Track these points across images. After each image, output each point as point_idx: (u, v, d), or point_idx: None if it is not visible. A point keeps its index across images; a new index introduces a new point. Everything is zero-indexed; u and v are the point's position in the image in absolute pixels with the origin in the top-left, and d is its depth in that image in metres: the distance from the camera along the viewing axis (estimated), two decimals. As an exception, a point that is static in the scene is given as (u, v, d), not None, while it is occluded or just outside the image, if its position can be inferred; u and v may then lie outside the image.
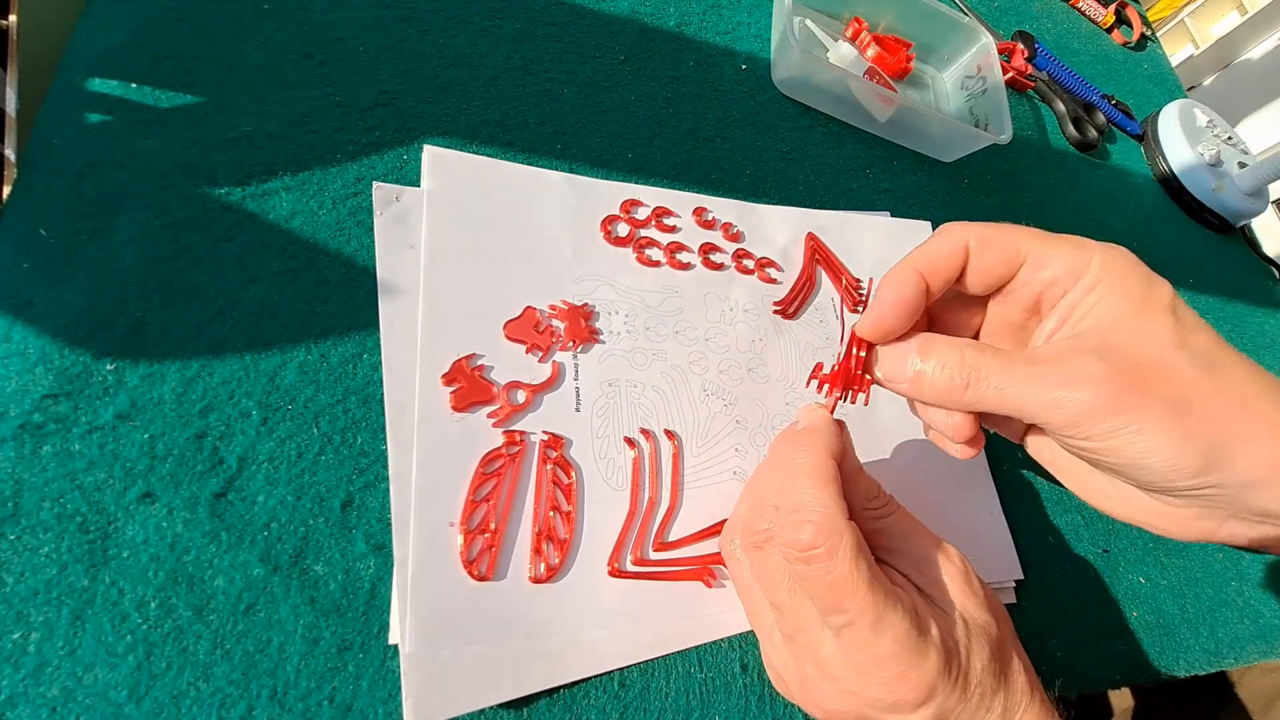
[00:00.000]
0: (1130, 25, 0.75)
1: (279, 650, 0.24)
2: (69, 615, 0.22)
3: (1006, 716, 0.23)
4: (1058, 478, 0.27)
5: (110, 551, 0.23)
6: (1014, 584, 0.36)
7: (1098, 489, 0.26)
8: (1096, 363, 0.22)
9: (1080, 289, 0.24)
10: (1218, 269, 0.61)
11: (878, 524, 0.26)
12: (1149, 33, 0.77)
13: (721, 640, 0.30)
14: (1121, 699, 0.54)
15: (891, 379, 0.26)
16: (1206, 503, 0.23)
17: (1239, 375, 0.22)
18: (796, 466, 0.24)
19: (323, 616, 0.25)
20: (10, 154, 0.27)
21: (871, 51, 0.50)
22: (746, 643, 0.30)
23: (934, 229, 0.45)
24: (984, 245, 0.25)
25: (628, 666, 0.28)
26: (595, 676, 0.27)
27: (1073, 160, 0.59)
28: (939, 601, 0.24)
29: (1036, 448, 0.28)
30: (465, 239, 0.32)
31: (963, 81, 0.53)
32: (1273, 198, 0.65)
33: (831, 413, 0.27)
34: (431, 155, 0.33)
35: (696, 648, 0.29)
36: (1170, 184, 0.63)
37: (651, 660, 0.28)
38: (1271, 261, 0.67)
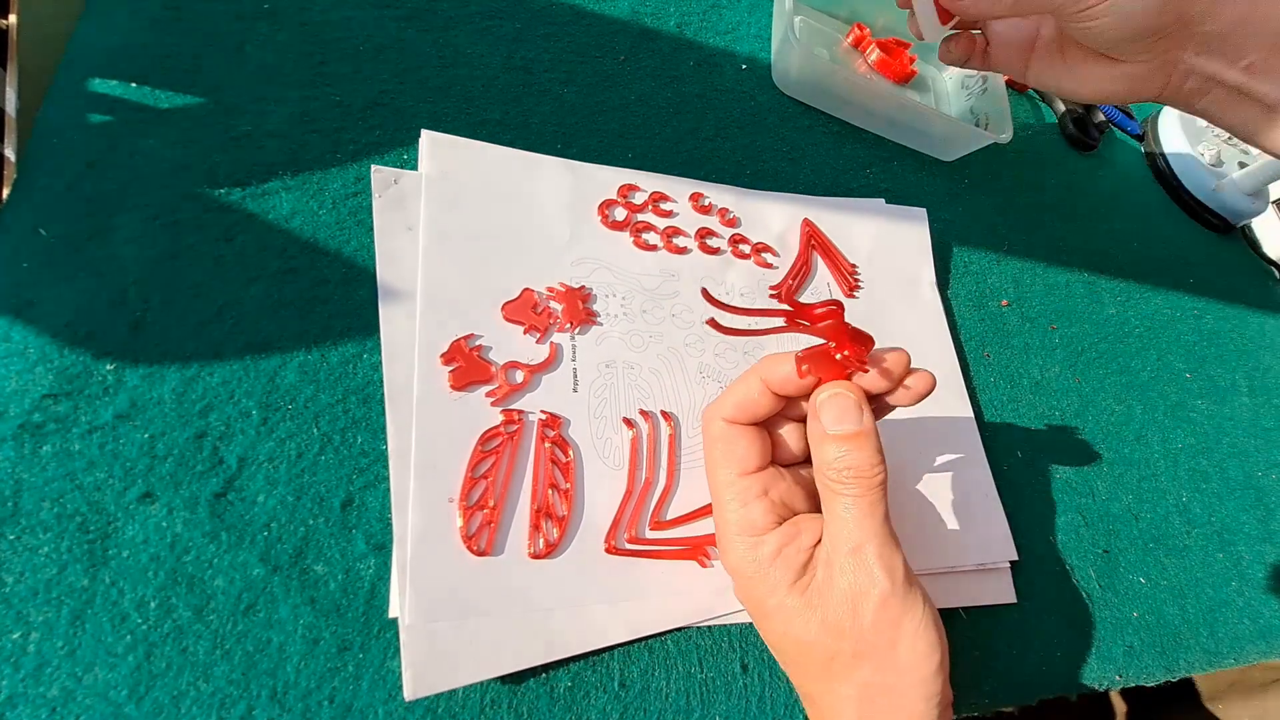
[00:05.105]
0: (1130, 25, 0.75)
1: (279, 650, 0.24)
2: (69, 615, 0.22)
3: (806, 688, 0.27)
4: (1049, 87, 0.37)
5: (110, 551, 0.23)
6: (1009, 565, 0.36)
7: (1079, 78, 0.35)
8: None
9: None
10: (1218, 269, 0.61)
11: (825, 494, 0.26)
12: (1149, 32, 0.76)
13: (722, 640, 0.30)
14: (1122, 699, 0.54)
15: None
16: (1163, 56, 0.32)
17: None
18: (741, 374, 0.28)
19: (323, 616, 0.25)
20: (10, 154, 0.27)
21: (874, 56, 0.50)
22: (746, 642, 0.30)
23: (930, 219, 0.45)
24: None
25: (628, 662, 0.28)
26: (595, 675, 0.27)
27: (1073, 160, 0.59)
28: (814, 570, 0.25)
29: (1037, 74, 0.37)
30: (463, 221, 0.32)
31: (963, 81, 0.53)
32: (1273, 198, 0.65)
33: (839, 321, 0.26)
34: (429, 139, 0.33)
35: (697, 647, 0.29)
36: (1170, 184, 0.63)
37: (651, 659, 0.28)
38: (1271, 261, 0.67)
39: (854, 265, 0.41)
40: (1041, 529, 0.39)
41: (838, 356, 0.26)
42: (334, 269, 0.30)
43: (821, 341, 0.26)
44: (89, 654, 0.22)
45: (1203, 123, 0.65)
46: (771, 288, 0.39)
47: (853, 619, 0.24)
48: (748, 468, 0.27)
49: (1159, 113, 0.66)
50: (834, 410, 0.25)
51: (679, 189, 0.39)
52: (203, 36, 0.32)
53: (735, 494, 0.27)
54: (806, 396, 0.27)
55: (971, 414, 0.40)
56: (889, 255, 0.43)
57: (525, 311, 0.32)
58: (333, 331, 0.29)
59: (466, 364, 0.29)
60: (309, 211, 0.31)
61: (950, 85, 0.54)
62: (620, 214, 0.36)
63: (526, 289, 0.32)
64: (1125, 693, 0.55)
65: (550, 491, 0.29)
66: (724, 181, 0.41)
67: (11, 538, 0.23)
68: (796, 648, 0.26)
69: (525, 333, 0.31)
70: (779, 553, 0.26)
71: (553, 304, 0.33)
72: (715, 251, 0.38)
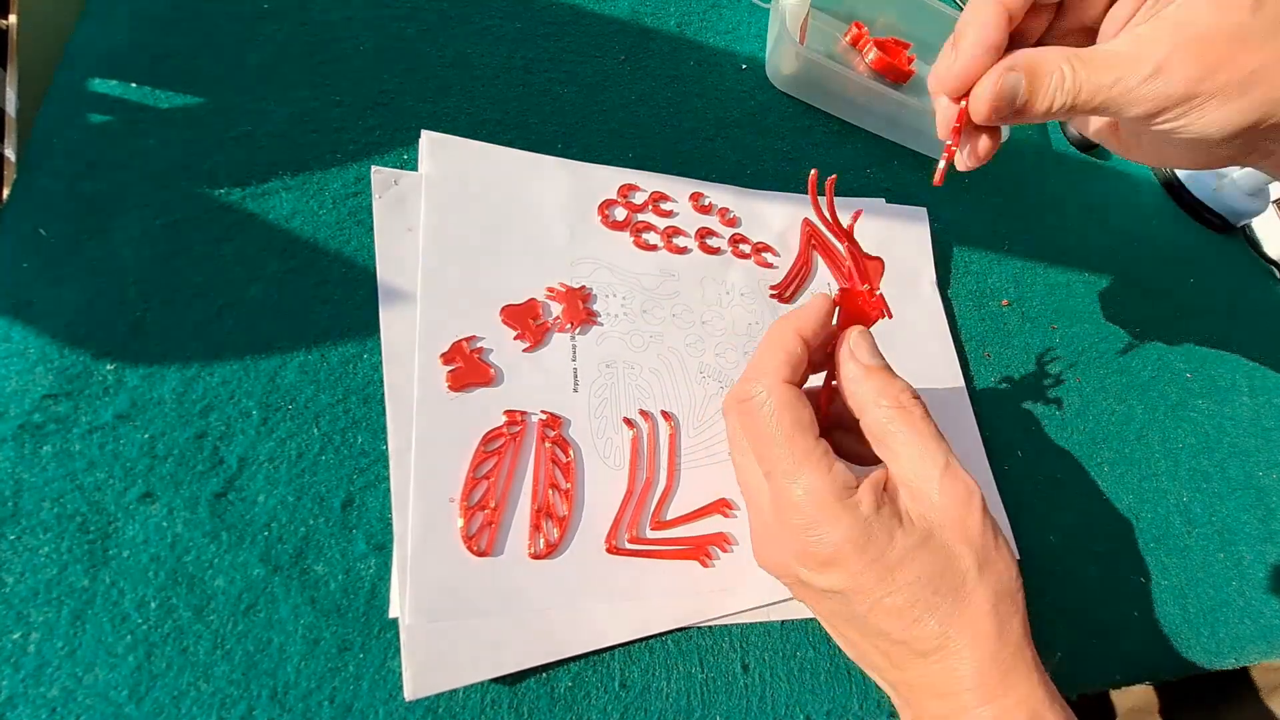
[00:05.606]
0: (1130, 25, 0.75)
1: (279, 650, 0.24)
2: (69, 615, 0.22)
3: (942, 638, 0.24)
4: (1114, 150, 0.33)
5: (110, 551, 0.23)
6: None
7: (1155, 156, 0.31)
8: (1175, 52, 0.24)
9: None
10: (1218, 269, 0.61)
11: (886, 424, 0.26)
12: (1149, 32, 0.76)
13: (722, 640, 0.30)
14: (1123, 698, 0.54)
15: (1000, 111, 0.27)
16: (1245, 144, 0.26)
17: None
18: (764, 338, 0.27)
19: (323, 616, 0.25)
20: (10, 154, 0.27)
21: (872, 55, 0.50)
22: (747, 643, 0.30)
23: (930, 219, 0.45)
24: None
25: (629, 662, 0.28)
26: (596, 675, 0.27)
27: (1073, 160, 0.59)
28: (903, 505, 0.25)
29: (1099, 133, 0.33)
30: (463, 222, 0.32)
31: (963, 81, 0.53)
32: (1273, 197, 0.65)
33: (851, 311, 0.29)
34: (429, 140, 0.33)
35: (697, 647, 0.29)
36: (1171, 184, 0.63)
37: (652, 659, 0.28)
38: (1272, 261, 0.67)
39: (845, 259, 0.41)
40: (1041, 529, 0.39)
41: (878, 292, 0.28)
42: (334, 269, 0.30)
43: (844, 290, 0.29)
44: (89, 654, 0.22)
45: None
46: (772, 287, 0.39)
47: (965, 531, 0.24)
48: (817, 429, 0.26)
49: (1159, 112, 0.66)
50: (868, 345, 0.27)
51: (679, 189, 0.39)
52: (203, 36, 0.32)
53: (820, 457, 0.25)
54: (824, 350, 0.28)
55: (972, 414, 0.40)
56: (889, 255, 0.43)
57: (523, 319, 0.32)
58: (333, 331, 0.29)
59: (466, 365, 0.29)
60: (309, 211, 0.31)
61: (950, 85, 0.54)
62: (620, 214, 0.36)
63: (533, 299, 0.32)
64: (1127, 693, 0.55)
65: (551, 491, 0.29)
66: (724, 181, 0.41)
67: (12, 538, 0.23)
68: (931, 588, 0.24)
69: (515, 339, 0.31)
70: (878, 501, 0.24)
71: (553, 304, 0.33)
72: (715, 251, 0.38)
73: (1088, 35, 0.28)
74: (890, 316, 0.28)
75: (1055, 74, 0.26)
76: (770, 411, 0.25)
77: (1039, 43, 0.29)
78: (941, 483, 0.25)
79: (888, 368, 0.27)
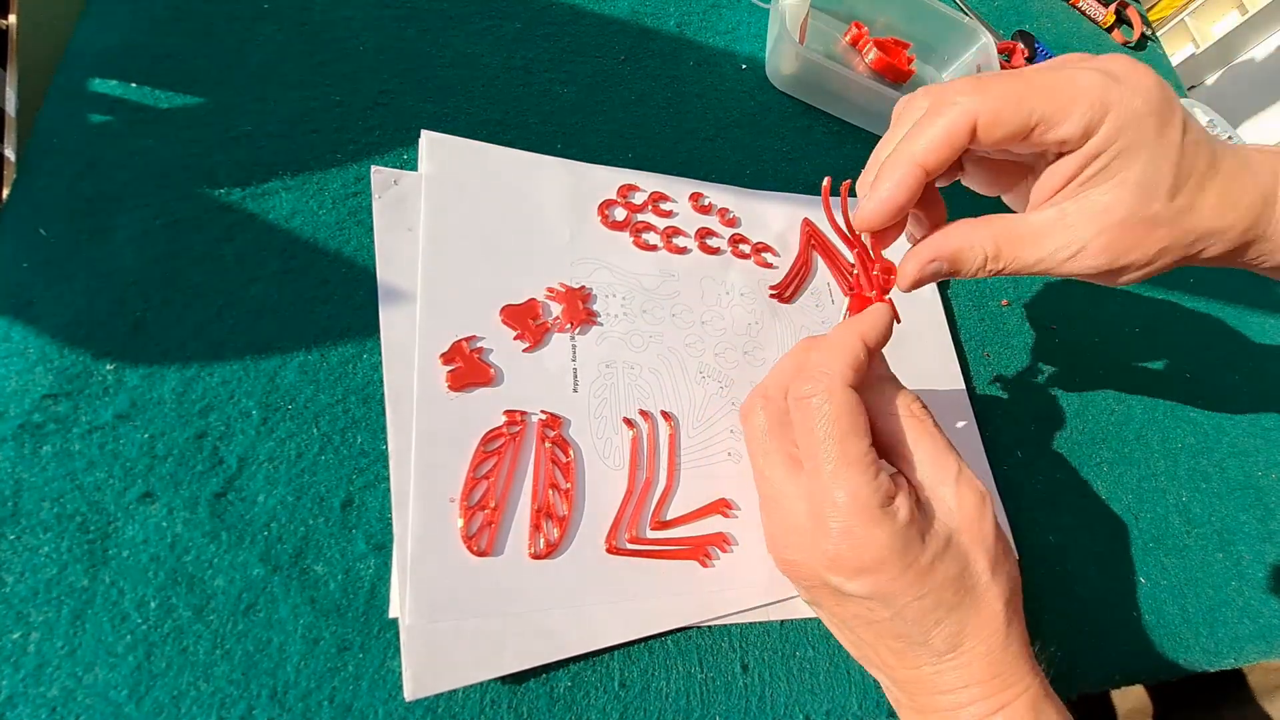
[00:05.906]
0: (1131, 25, 0.75)
1: (279, 650, 0.24)
2: (69, 615, 0.22)
3: (958, 637, 0.25)
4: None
5: (110, 551, 0.23)
6: None
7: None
8: (1097, 238, 0.26)
9: (1090, 149, 0.26)
10: (1218, 269, 0.61)
11: (900, 432, 0.27)
12: (1149, 32, 0.76)
13: (722, 640, 0.30)
14: (1123, 699, 0.54)
15: (923, 281, 0.29)
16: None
17: (1209, 207, 0.27)
18: (826, 341, 0.27)
19: (323, 616, 0.25)
20: (10, 154, 0.28)
21: (871, 55, 0.50)
22: (746, 643, 0.30)
23: None
24: (993, 124, 0.25)
25: (628, 662, 0.28)
26: (595, 675, 0.27)
27: (1073, 160, 0.59)
28: (928, 510, 0.26)
29: (1013, 201, 0.35)
30: (463, 222, 0.32)
31: (963, 81, 0.53)
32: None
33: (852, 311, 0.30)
34: (429, 140, 0.33)
35: (697, 647, 0.29)
36: (1170, 184, 0.63)
37: (651, 659, 0.28)
38: (1272, 261, 0.67)
39: (853, 265, 0.41)
40: (1041, 529, 0.39)
41: (887, 298, 0.30)
42: (334, 269, 0.30)
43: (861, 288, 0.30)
44: (89, 654, 0.22)
45: (1204, 121, 0.65)
46: (771, 287, 0.39)
47: (980, 535, 0.26)
48: (870, 435, 0.26)
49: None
50: (880, 354, 0.28)
51: (679, 189, 0.39)
52: (203, 36, 0.32)
53: (869, 464, 0.25)
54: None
55: (971, 414, 0.40)
56: (889, 254, 0.43)
57: (523, 318, 0.32)
58: (333, 331, 0.29)
59: (466, 365, 0.29)
60: (309, 211, 0.31)
61: (950, 85, 0.54)
62: (620, 214, 0.36)
63: (533, 299, 0.32)
64: (1126, 694, 0.55)
65: (551, 492, 0.29)
66: (724, 181, 0.41)
67: (12, 538, 0.23)
68: (951, 589, 0.25)
69: (515, 339, 0.31)
70: (911, 509, 0.25)
71: (553, 304, 0.33)
72: (715, 251, 0.38)
73: (1014, 154, 0.30)
74: (899, 321, 0.29)
75: (978, 257, 0.28)
76: (835, 414, 0.25)
77: (963, 157, 0.31)
78: (956, 489, 0.26)
79: (895, 377, 0.28)
